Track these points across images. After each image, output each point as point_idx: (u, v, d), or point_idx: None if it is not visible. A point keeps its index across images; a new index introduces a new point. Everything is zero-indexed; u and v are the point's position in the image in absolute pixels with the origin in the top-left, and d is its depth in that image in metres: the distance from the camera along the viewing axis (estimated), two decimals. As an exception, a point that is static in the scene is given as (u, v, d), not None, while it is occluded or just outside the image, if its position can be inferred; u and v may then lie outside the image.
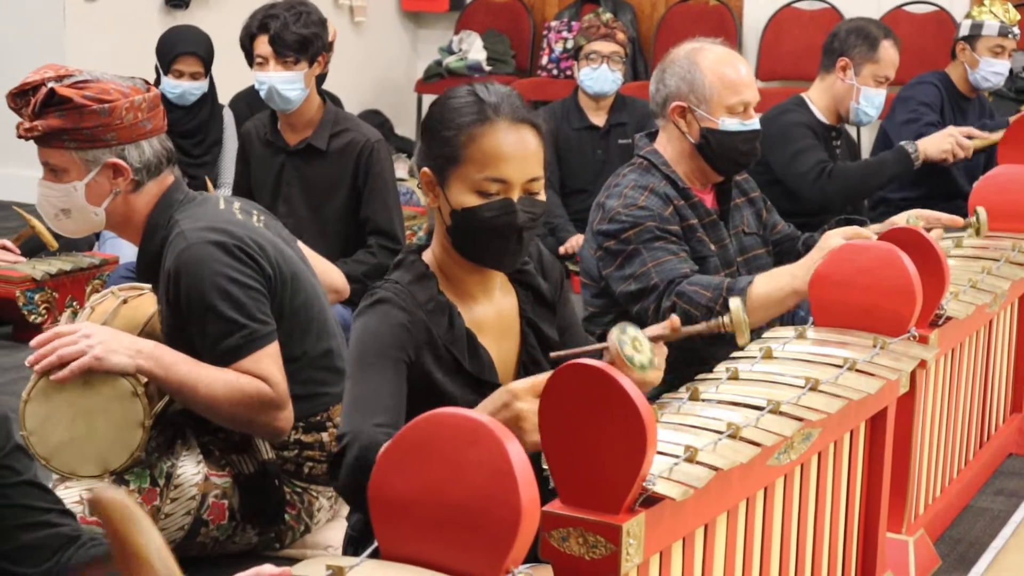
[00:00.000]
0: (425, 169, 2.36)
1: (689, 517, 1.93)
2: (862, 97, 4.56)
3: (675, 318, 2.23)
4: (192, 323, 2.84)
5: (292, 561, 2.95)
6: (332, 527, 3.10)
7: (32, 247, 5.15)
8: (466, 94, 2.37)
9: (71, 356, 2.74)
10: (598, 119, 5.94)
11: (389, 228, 4.23)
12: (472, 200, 2.31)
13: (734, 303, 2.27)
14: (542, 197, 2.35)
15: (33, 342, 2.80)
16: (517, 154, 2.31)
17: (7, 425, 1.90)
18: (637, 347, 2.04)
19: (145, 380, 2.80)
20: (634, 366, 2.06)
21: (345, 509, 3.01)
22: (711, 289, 3.06)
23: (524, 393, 2.02)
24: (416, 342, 2.30)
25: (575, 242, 5.59)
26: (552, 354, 2.26)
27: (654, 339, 2.18)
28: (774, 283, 3.06)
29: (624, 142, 5.87)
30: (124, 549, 1.32)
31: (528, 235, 2.34)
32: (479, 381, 2.35)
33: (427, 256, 2.43)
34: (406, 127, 8.61)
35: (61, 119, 2.83)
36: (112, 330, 2.85)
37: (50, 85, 2.84)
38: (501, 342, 2.43)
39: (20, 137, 2.88)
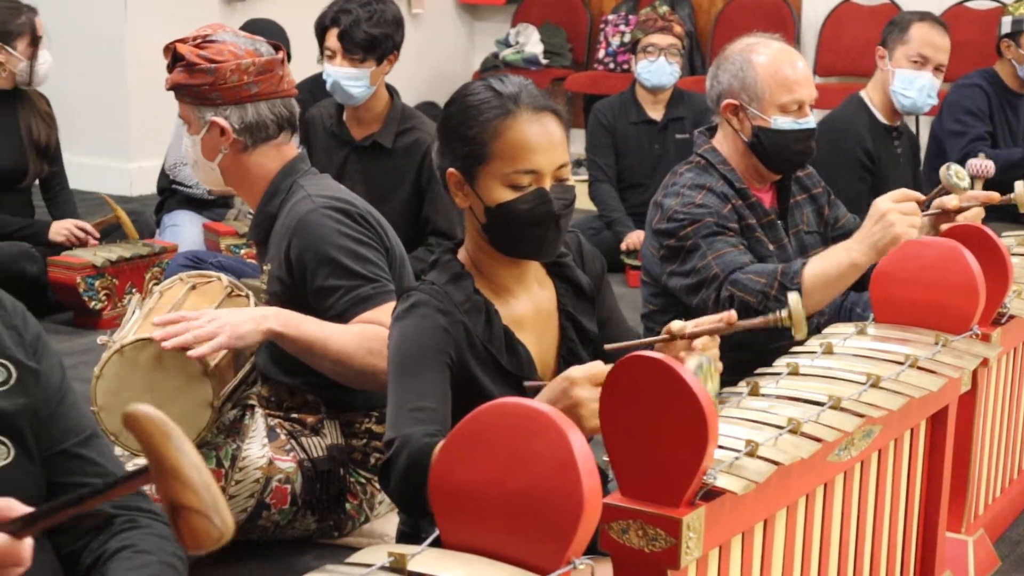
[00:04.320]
0: (452, 170, 2.35)
1: (749, 512, 1.92)
2: (896, 80, 4.48)
3: (732, 313, 2.21)
4: (312, 281, 2.86)
5: (350, 549, 2.97)
6: (390, 519, 3.11)
7: (110, 234, 5.22)
8: (482, 89, 2.36)
9: (205, 336, 2.76)
10: (656, 113, 5.92)
11: (448, 229, 4.24)
12: (506, 195, 2.30)
13: (792, 297, 2.25)
14: (571, 182, 2.35)
15: (158, 319, 2.83)
16: (544, 143, 2.30)
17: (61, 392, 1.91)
18: (707, 379, 2.02)
19: (216, 361, 2.82)
20: None
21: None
22: (765, 275, 3.04)
23: (583, 380, 2.02)
24: (456, 343, 2.29)
25: (634, 238, 5.58)
26: (607, 346, 2.26)
27: (709, 332, 2.18)
28: (829, 260, 3.02)
29: (682, 137, 5.85)
30: (161, 465, 1.31)
31: (564, 222, 2.34)
32: (519, 378, 2.34)
33: (461, 255, 2.42)
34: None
35: (181, 75, 2.96)
36: (227, 310, 2.87)
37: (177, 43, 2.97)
38: (540, 337, 2.42)
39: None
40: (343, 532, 3.08)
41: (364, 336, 2.81)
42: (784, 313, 2.24)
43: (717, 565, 1.88)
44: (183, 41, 2.98)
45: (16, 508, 1.53)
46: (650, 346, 2.14)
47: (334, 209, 2.90)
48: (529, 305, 2.42)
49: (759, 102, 3.20)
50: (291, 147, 3.04)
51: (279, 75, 2.98)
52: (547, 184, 2.31)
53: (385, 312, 2.81)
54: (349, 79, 4.25)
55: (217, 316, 2.80)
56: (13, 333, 1.85)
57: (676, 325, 2.23)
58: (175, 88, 2.99)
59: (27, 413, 1.81)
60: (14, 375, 1.82)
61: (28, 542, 1.49)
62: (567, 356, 2.43)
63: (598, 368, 2.03)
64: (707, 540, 1.80)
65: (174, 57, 2.97)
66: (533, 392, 2.11)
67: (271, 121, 2.97)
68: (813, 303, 2.98)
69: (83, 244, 5.08)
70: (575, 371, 2.05)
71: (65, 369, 1.94)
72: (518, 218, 2.29)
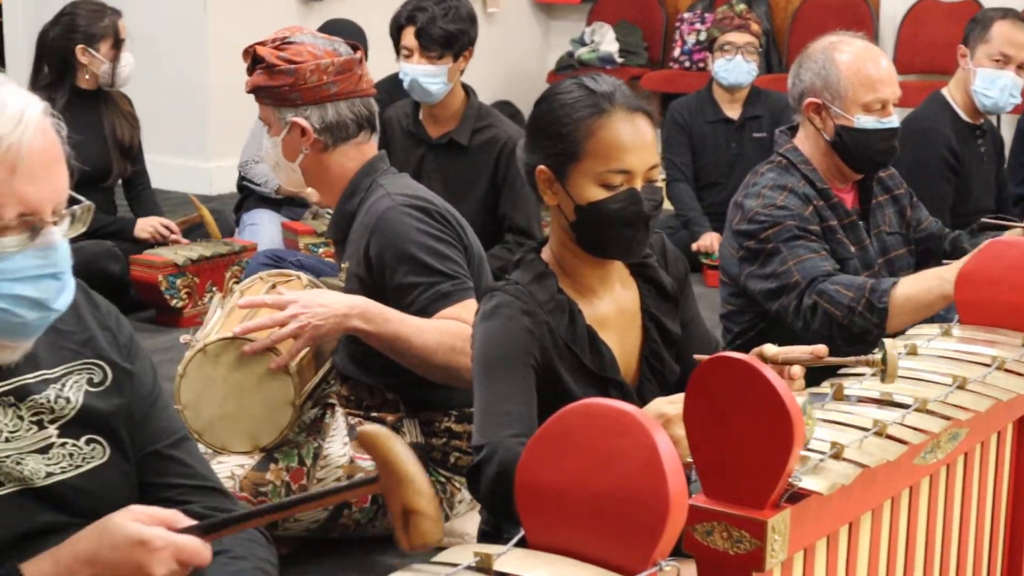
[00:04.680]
0: (542, 167, 2.34)
1: (834, 515, 1.90)
2: (978, 79, 4.41)
3: (822, 347, 2.20)
4: (391, 278, 2.88)
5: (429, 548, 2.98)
6: (470, 518, 3.12)
7: (193, 232, 5.28)
8: (575, 88, 2.35)
9: (283, 336, 2.78)
10: (732, 112, 5.89)
11: (526, 226, 4.24)
12: (597, 193, 2.30)
13: (889, 343, 2.20)
14: (660, 184, 2.35)
15: (243, 301, 2.87)
16: (637, 143, 2.30)
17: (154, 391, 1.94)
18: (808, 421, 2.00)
19: (297, 360, 2.84)
20: None
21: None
22: (853, 289, 3.01)
23: (678, 420, 1.99)
24: (540, 343, 2.29)
25: (708, 240, 5.55)
26: (696, 356, 2.25)
27: (795, 362, 2.16)
28: (920, 285, 2.99)
29: (759, 135, 5.81)
30: (396, 475, 1.48)
31: (653, 223, 2.33)
32: (601, 378, 2.34)
33: (545, 254, 2.41)
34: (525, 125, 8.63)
35: (261, 77, 2.99)
36: (317, 295, 2.88)
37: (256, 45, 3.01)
38: (623, 337, 2.42)
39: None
40: (423, 530, 3.09)
41: (446, 332, 2.82)
42: (878, 357, 2.20)
43: (802, 568, 1.87)
44: (262, 44, 3.01)
45: (182, 519, 1.64)
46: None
47: (413, 207, 2.91)
48: (612, 305, 2.42)
49: (842, 101, 3.17)
50: (371, 146, 3.06)
51: (358, 74, 3.00)
52: (638, 184, 2.30)
53: (465, 308, 2.83)
54: (427, 76, 4.27)
55: (304, 307, 2.81)
56: (108, 334, 1.88)
57: (769, 351, 2.22)
58: (255, 90, 3.01)
59: (122, 414, 1.84)
60: (110, 376, 1.85)
61: (209, 545, 1.64)
62: (650, 357, 2.42)
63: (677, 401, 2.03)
64: (792, 543, 1.78)
65: (254, 60, 3.00)
66: (681, 356, 2.08)
67: (351, 120, 2.99)
68: (898, 324, 2.96)
69: (166, 241, 5.15)
70: (669, 408, 2.03)
71: (156, 371, 1.96)
72: (608, 217, 2.29)
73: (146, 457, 1.87)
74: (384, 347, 2.85)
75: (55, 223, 1.68)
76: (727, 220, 3.28)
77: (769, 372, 1.73)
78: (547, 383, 2.29)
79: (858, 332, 3.01)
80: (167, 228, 5.19)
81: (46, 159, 1.66)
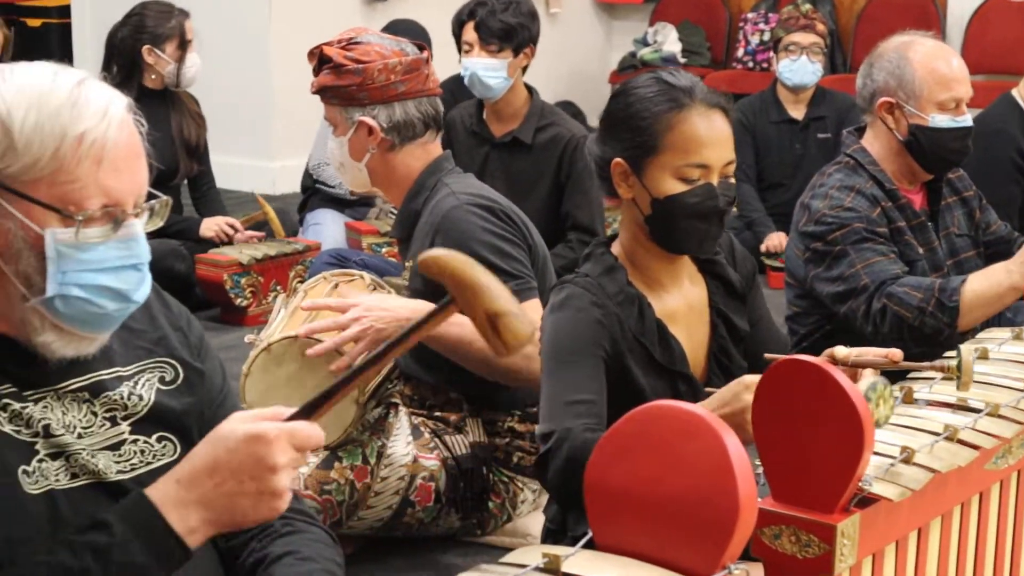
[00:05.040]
0: (618, 160, 2.36)
1: (903, 520, 1.89)
2: None
3: (896, 351, 2.19)
4: None
5: (492, 548, 2.99)
6: (533, 517, 3.13)
7: (258, 232, 5.33)
8: (654, 82, 2.37)
9: (345, 340, 2.80)
10: (797, 112, 5.85)
11: (589, 224, 4.24)
12: (675, 187, 2.31)
13: (965, 349, 2.18)
14: (733, 181, 2.36)
15: (306, 304, 2.90)
16: (715, 138, 2.32)
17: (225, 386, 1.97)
18: (881, 403, 1.98)
19: (361, 359, 2.86)
20: (873, 419, 2.02)
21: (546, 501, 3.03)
22: (922, 290, 2.99)
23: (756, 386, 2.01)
24: (610, 335, 2.30)
25: (774, 240, 5.52)
26: (767, 355, 2.24)
27: (868, 365, 2.15)
28: (989, 280, 2.97)
29: (823, 136, 5.78)
30: (470, 286, 1.47)
31: (726, 219, 2.35)
32: (670, 372, 2.34)
33: (615, 248, 2.43)
34: (599, 119, 8.62)
35: (327, 77, 3.00)
36: (380, 300, 2.91)
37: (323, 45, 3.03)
38: (691, 332, 2.42)
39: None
40: (486, 530, 3.10)
41: None
42: (954, 364, 2.18)
43: (870, 573, 1.85)
44: (329, 44, 3.03)
45: (284, 411, 1.65)
46: None
47: (478, 206, 2.92)
48: (681, 300, 2.42)
49: (916, 100, 3.15)
50: (436, 145, 3.07)
51: (425, 74, 3.01)
52: (714, 179, 2.32)
53: (528, 308, 2.83)
54: (486, 70, 4.28)
55: (364, 315, 2.83)
56: (179, 334, 1.90)
57: (841, 352, 2.21)
58: (322, 90, 3.03)
59: (193, 412, 1.86)
60: (181, 375, 1.87)
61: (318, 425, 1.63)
62: (718, 353, 2.42)
63: None
64: (861, 548, 1.77)
65: (320, 60, 3.01)
66: (751, 354, 2.08)
67: (418, 119, 3.00)
68: (969, 322, 2.95)
69: (231, 241, 5.19)
70: (751, 378, 2.05)
71: (225, 371, 1.98)
72: (685, 211, 2.30)
73: None
74: (445, 350, 2.87)
75: (136, 216, 1.71)
76: (793, 221, 3.26)
77: (840, 375, 1.72)
78: (615, 375, 2.30)
79: (929, 332, 2.99)
80: (231, 227, 5.24)
81: (129, 153, 1.69)
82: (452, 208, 2.92)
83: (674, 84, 2.35)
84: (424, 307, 2.87)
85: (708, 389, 2.30)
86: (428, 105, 3.03)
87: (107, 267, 1.68)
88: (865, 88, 3.26)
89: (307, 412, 1.63)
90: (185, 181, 5.49)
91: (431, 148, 3.06)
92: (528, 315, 1.47)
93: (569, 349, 2.29)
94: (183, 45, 5.23)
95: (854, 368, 2.20)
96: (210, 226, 5.21)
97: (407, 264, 3.07)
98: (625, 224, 2.42)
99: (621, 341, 2.32)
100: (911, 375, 2.34)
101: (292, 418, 1.63)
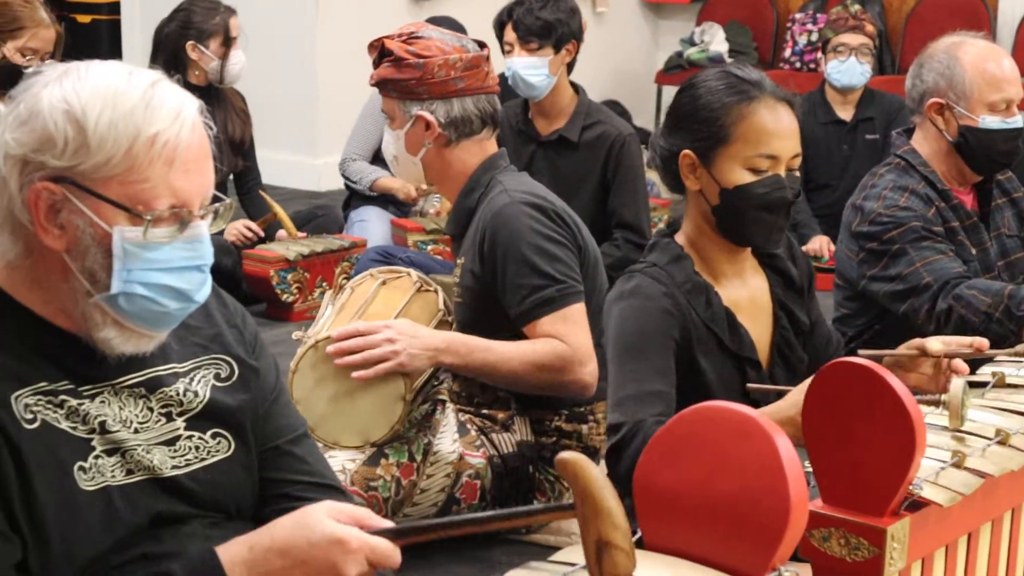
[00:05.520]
0: (687, 151, 2.38)
1: (953, 524, 1.87)
2: None
3: (983, 340, 2.19)
4: (502, 276, 2.91)
5: (537, 546, 2.99)
6: (578, 516, 3.12)
7: (274, 233, 5.35)
8: (723, 75, 2.40)
9: (376, 359, 2.83)
10: (845, 113, 5.82)
11: (636, 222, 4.24)
12: (744, 177, 2.33)
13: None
14: (798, 175, 2.38)
15: (336, 334, 2.89)
16: (783, 130, 2.34)
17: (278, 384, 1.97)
18: (966, 402, 1.99)
19: None
20: (962, 422, 2.02)
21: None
22: (991, 295, 2.98)
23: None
24: (680, 324, 2.32)
25: (815, 244, 5.50)
26: (861, 352, 2.25)
27: (957, 355, 2.15)
28: None
29: (871, 137, 5.74)
30: (595, 507, 1.47)
31: (792, 211, 2.35)
32: (739, 358, 2.35)
33: (679, 238, 2.45)
34: (645, 118, 8.60)
35: (387, 70, 3.02)
36: (411, 326, 2.92)
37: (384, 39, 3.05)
38: (755, 323, 2.44)
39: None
40: (531, 529, 3.10)
41: (534, 355, 2.86)
42: None
43: (920, 578, 1.84)
44: (390, 37, 3.04)
45: (374, 518, 1.66)
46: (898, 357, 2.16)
47: (530, 205, 2.93)
48: (744, 292, 2.44)
49: (967, 100, 3.14)
50: (492, 143, 3.08)
51: (484, 71, 3.02)
52: (782, 171, 2.33)
53: (563, 319, 2.85)
54: (527, 68, 4.28)
55: (396, 336, 2.85)
56: (235, 331, 1.92)
57: (934, 346, 2.21)
58: (381, 83, 3.04)
59: (247, 409, 1.87)
60: (236, 372, 1.88)
61: (399, 549, 1.65)
62: (781, 345, 2.43)
63: None
64: (911, 552, 1.76)
65: (381, 53, 3.03)
66: (757, 394, 2.09)
67: (475, 116, 3.02)
68: None
69: (252, 244, 5.20)
70: None
71: (279, 368, 1.99)
72: (754, 201, 2.32)
73: (267, 452, 1.89)
74: (473, 375, 2.91)
75: (202, 217, 1.72)
76: (843, 223, 3.25)
77: (893, 379, 1.71)
78: (683, 365, 2.32)
79: (993, 338, 2.98)
80: (249, 229, 5.25)
81: (199, 154, 1.70)
82: (504, 206, 2.93)
83: (743, 77, 2.38)
84: (449, 338, 2.88)
85: (751, 387, 2.32)
86: (486, 102, 3.05)
87: (172, 267, 1.70)
88: (915, 89, 3.25)
89: (396, 535, 1.66)
90: (231, 177, 5.51)
91: (487, 145, 3.07)
92: (632, 551, 1.48)
93: (639, 338, 2.31)
94: (227, 42, 5.25)
95: (943, 359, 2.20)
96: (230, 231, 5.22)
97: (459, 261, 3.08)
98: (690, 216, 2.44)
99: (690, 329, 2.34)
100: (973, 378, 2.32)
101: (380, 532, 1.64)
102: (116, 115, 1.65)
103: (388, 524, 1.67)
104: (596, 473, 1.48)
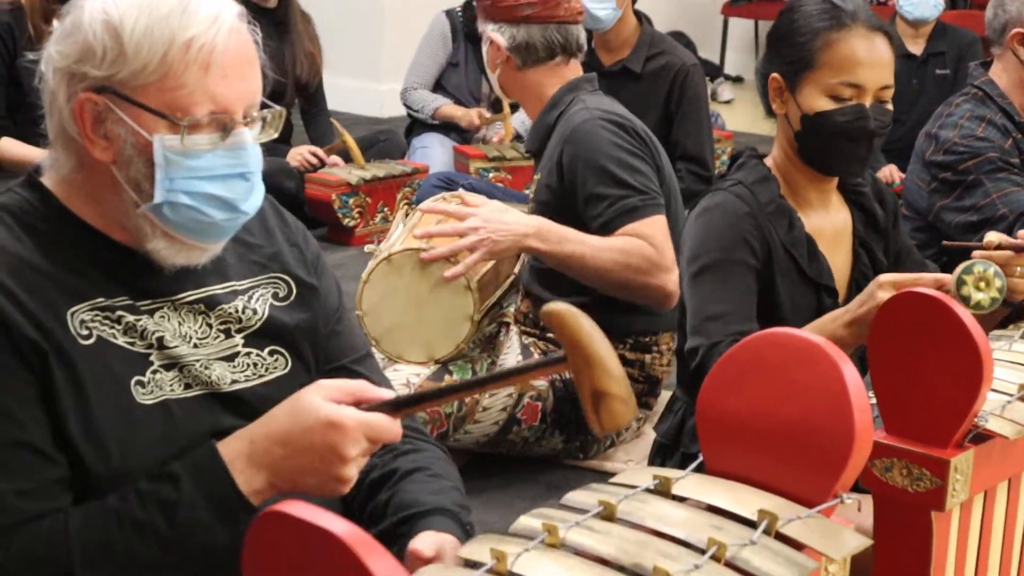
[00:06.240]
0: (775, 75, 2.38)
1: (1018, 458, 1.86)
2: None
3: None
4: (583, 187, 2.91)
5: (593, 472, 3.00)
6: (636, 445, 3.14)
7: (343, 158, 5.36)
8: (819, 1, 2.38)
9: (462, 248, 2.83)
10: (915, 47, 5.73)
11: (699, 153, 4.21)
12: (825, 104, 2.32)
13: None
14: (890, 107, 2.34)
15: (426, 206, 2.93)
16: (872, 60, 2.32)
17: (340, 307, 1.98)
18: (982, 286, 1.97)
19: (478, 276, 2.88)
20: (969, 306, 2.01)
21: (649, 428, 3.03)
22: None
23: (888, 285, 2.06)
24: (760, 244, 2.31)
25: (887, 171, 5.43)
26: (946, 243, 2.26)
27: (1016, 247, 2.13)
28: None
29: (942, 72, 5.65)
30: (586, 356, 1.42)
31: (877, 143, 2.33)
32: (817, 285, 2.35)
33: (768, 162, 2.45)
34: (710, 50, 8.52)
35: None
36: (499, 210, 2.92)
37: None
38: (835, 255, 2.44)
39: None
40: (588, 455, 3.12)
41: (623, 251, 2.83)
42: None
43: (981, 510, 1.83)
44: None
45: (371, 390, 1.62)
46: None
47: (610, 121, 2.93)
48: (827, 223, 2.44)
49: None
50: (570, 69, 3.07)
51: (556, 1, 3.01)
52: (867, 101, 2.31)
53: (650, 225, 2.83)
54: (594, 2, 4.24)
55: (487, 217, 2.84)
56: (295, 250, 1.92)
57: (993, 237, 2.23)
58: None
59: (305, 328, 1.87)
60: (294, 291, 1.88)
61: (398, 421, 1.60)
62: (859, 281, 2.42)
63: (905, 278, 2.09)
64: (974, 484, 1.75)
65: None
66: None
67: (541, 44, 3.01)
68: None
69: (315, 169, 5.21)
70: (884, 276, 2.07)
71: (341, 289, 2.00)
72: (833, 129, 2.31)
73: (331, 372, 1.89)
74: (560, 266, 2.88)
75: (246, 124, 1.70)
76: (916, 152, 3.22)
77: (961, 309, 1.69)
78: (761, 285, 2.31)
79: None
80: (315, 155, 5.26)
81: (239, 59, 1.68)
82: (583, 121, 2.93)
83: (838, 4, 2.37)
84: (538, 222, 2.88)
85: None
86: (556, 32, 3.04)
87: (214, 175, 1.68)
88: (996, 19, 3.20)
89: (393, 407, 1.61)
90: (296, 101, 5.51)
91: (563, 72, 3.07)
92: (629, 398, 1.43)
93: (720, 256, 2.31)
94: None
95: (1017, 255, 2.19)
96: (294, 156, 5.24)
97: (536, 176, 3.09)
98: (778, 141, 2.44)
99: (771, 251, 2.33)
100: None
101: (375, 408, 1.60)
102: (151, 21, 1.64)
103: (387, 396, 1.64)
104: (584, 322, 1.44)
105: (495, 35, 3.03)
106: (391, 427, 1.59)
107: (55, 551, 1.59)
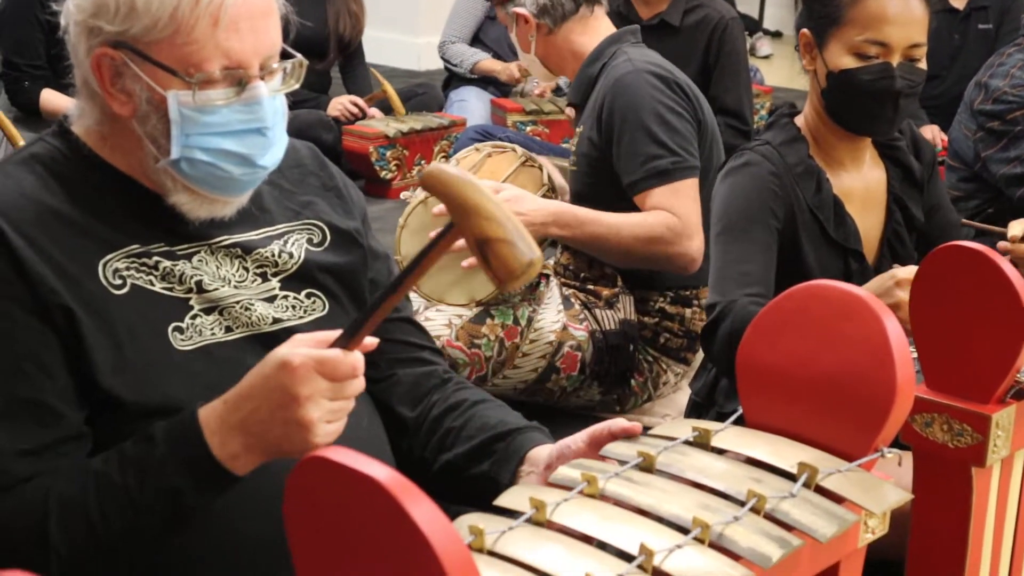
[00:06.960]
0: (804, 30, 2.36)
1: (1060, 415, 1.85)
2: None
3: None
4: (619, 142, 2.91)
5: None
6: (672, 400, 3.14)
7: (382, 109, 5.36)
8: None
9: None
10: (958, 2, 5.65)
11: (738, 108, 4.18)
12: (850, 62, 2.29)
13: None
14: (923, 66, 2.30)
15: (459, 155, 2.98)
16: (901, 17, 2.28)
17: (388, 262, 1.97)
18: None
19: None
20: None
21: (687, 384, 3.03)
22: None
23: (907, 283, 1.99)
24: (786, 205, 2.30)
25: (930, 133, 5.38)
26: (964, 221, 2.23)
27: None
28: None
29: (984, 27, 5.57)
30: (464, 208, 1.33)
31: (905, 102, 2.30)
32: (843, 249, 2.33)
33: (799, 120, 2.42)
34: (749, 3, 8.44)
35: None
36: (522, 195, 2.92)
37: None
38: (866, 214, 2.41)
39: None
40: (624, 408, 3.12)
41: (645, 227, 2.84)
42: None
43: (1023, 466, 1.82)
44: None
45: (329, 336, 1.56)
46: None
47: (653, 75, 2.91)
48: (859, 182, 2.41)
49: None
50: (598, 19, 3.06)
51: None
52: (894, 60, 2.27)
53: (674, 191, 2.82)
54: None
55: (510, 201, 2.84)
56: (331, 195, 1.91)
57: (1016, 230, 2.20)
58: None
59: (342, 272, 1.86)
60: (328, 237, 1.87)
61: (359, 355, 1.53)
62: (892, 239, 2.40)
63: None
64: (1015, 440, 1.74)
65: None
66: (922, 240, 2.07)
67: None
68: None
69: (355, 120, 5.21)
70: (903, 272, 2.03)
71: (375, 236, 1.99)
72: (857, 87, 2.28)
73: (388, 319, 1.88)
74: (582, 248, 2.89)
75: (263, 78, 1.68)
76: (964, 101, 3.19)
77: (1005, 264, 1.68)
78: (785, 247, 2.30)
79: None
80: (356, 105, 5.26)
81: (252, 12, 1.65)
82: (626, 74, 2.92)
83: None
84: (556, 209, 2.88)
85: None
86: None
87: (230, 131, 1.66)
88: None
89: (344, 340, 1.52)
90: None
91: (593, 22, 3.06)
92: (529, 242, 1.33)
93: (742, 217, 2.29)
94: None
95: None
96: (335, 105, 5.24)
97: (577, 129, 3.08)
98: (810, 98, 2.42)
99: (796, 213, 2.32)
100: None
101: (333, 344, 1.52)
102: None
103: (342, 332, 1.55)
104: (456, 172, 1.35)
105: (520, 9, 3.02)
106: (344, 359, 1.51)
107: (36, 509, 1.57)
